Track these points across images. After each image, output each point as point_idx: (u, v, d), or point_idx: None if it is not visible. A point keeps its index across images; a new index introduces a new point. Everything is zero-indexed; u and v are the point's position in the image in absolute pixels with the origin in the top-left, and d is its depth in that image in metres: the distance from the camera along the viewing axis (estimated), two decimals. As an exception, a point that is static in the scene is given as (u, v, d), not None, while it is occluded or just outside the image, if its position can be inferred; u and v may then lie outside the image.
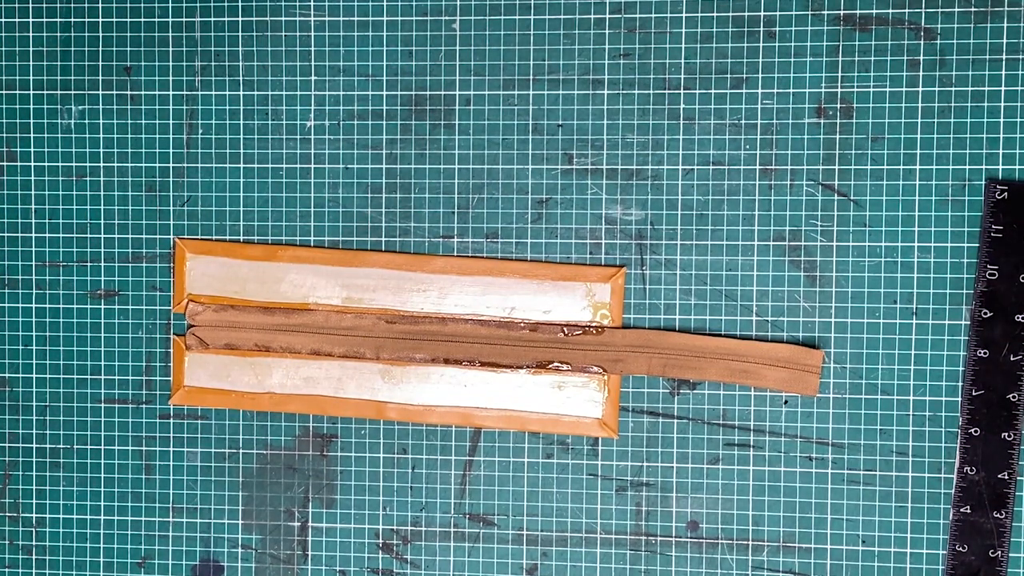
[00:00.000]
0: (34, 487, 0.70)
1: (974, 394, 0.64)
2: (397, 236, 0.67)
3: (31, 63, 0.68)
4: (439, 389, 0.68)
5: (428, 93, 0.66)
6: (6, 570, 0.70)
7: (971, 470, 0.64)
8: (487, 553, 0.68)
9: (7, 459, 0.70)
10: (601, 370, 0.66)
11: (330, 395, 0.68)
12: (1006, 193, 0.63)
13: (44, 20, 0.68)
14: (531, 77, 0.66)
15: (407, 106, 0.67)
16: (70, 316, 0.69)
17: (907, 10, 0.64)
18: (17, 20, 0.68)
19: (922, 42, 0.64)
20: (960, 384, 0.64)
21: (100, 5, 0.68)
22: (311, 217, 0.68)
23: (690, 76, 0.65)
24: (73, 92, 0.68)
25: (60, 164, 0.69)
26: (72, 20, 0.68)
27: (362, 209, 0.67)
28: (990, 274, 0.63)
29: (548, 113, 0.66)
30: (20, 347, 0.70)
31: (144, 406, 0.69)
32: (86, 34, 0.68)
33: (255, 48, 0.67)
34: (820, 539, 0.66)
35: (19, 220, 0.69)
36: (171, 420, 0.69)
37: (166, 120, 0.68)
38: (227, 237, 0.68)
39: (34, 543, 0.70)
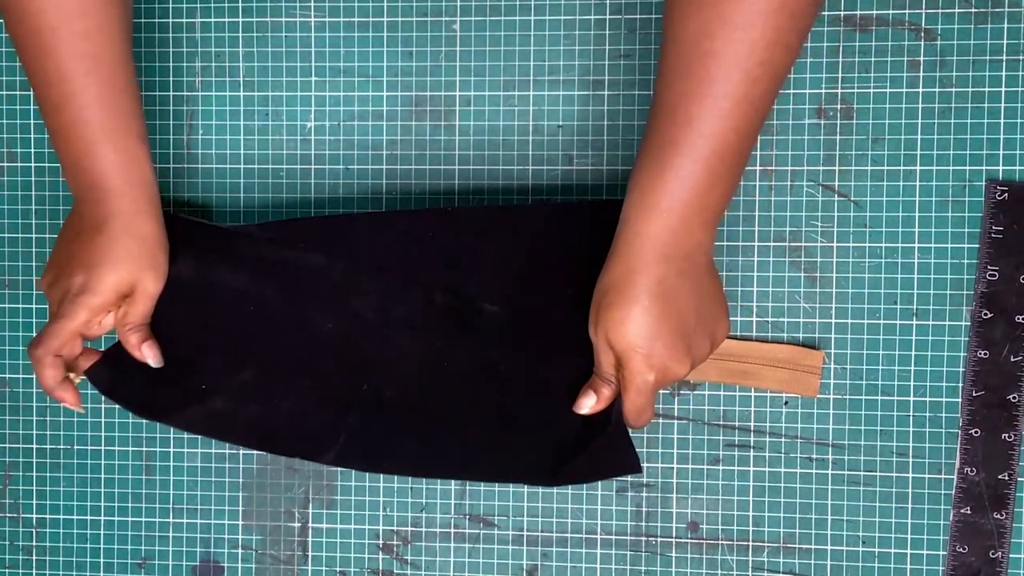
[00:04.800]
0: (34, 487, 0.70)
1: (974, 395, 0.64)
2: (397, 236, 0.67)
3: (31, 63, 0.68)
4: (439, 390, 0.68)
5: (428, 94, 0.67)
6: (6, 570, 0.70)
7: (971, 471, 0.64)
8: (487, 554, 0.68)
9: (7, 459, 0.70)
10: (601, 371, 0.66)
11: (330, 396, 0.68)
12: (1006, 194, 0.63)
13: (44, 20, 0.68)
14: (531, 77, 0.66)
15: (407, 106, 0.67)
16: (70, 316, 0.69)
17: (907, 11, 0.64)
18: (17, 20, 0.68)
19: (922, 43, 0.64)
20: (960, 385, 0.64)
21: (100, 5, 0.68)
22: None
23: (690, 76, 0.65)
24: (73, 92, 0.68)
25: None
26: (72, 20, 0.68)
27: (362, 209, 0.67)
28: (990, 275, 0.63)
29: (548, 113, 0.66)
30: (20, 347, 0.70)
31: (144, 406, 0.69)
32: (86, 34, 0.68)
33: (255, 49, 0.67)
34: (820, 540, 0.66)
35: (19, 220, 0.69)
36: (171, 420, 0.69)
37: (166, 120, 0.68)
38: (227, 237, 0.68)
39: (34, 543, 0.70)
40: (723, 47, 0.49)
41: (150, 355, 0.60)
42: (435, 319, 0.61)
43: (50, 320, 0.59)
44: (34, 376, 0.69)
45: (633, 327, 0.53)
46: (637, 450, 0.66)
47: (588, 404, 0.58)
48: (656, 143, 0.53)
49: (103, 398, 0.69)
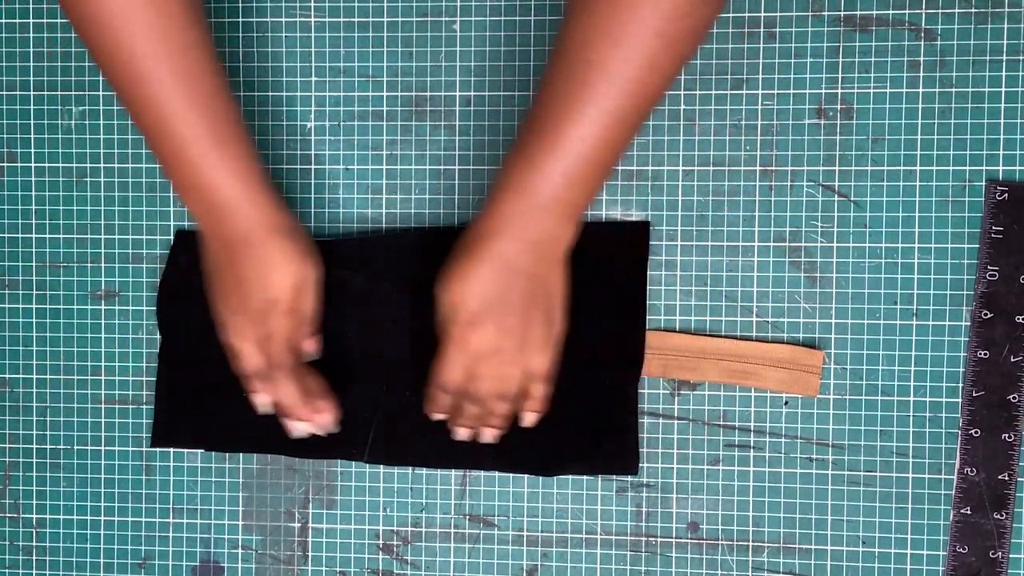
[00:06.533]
0: (34, 487, 0.70)
1: (974, 395, 0.64)
2: (397, 236, 0.67)
3: (31, 63, 0.68)
4: (439, 390, 0.68)
5: (428, 94, 0.67)
6: (6, 570, 0.70)
7: (971, 471, 0.64)
8: (487, 554, 0.68)
9: (7, 459, 0.70)
10: (601, 371, 0.66)
11: (330, 396, 0.68)
12: (1006, 194, 0.63)
13: (44, 21, 0.68)
14: (531, 77, 0.66)
15: (407, 106, 0.67)
16: (70, 316, 0.69)
17: (907, 11, 0.64)
18: (17, 20, 0.68)
19: (922, 43, 0.64)
20: (960, 385, 0.64)
21: (101, 6, 0.68)
22: (311, 217, 0.67)
23: (690, 76, 0.65)
24: (74, 93, 0.68)
25: (60, 164, 0.69)
26: (72, 20, 0.68)
27: (362, 210, 0.67)
28: (990, 275, 0.63)
29: (548, 114, 0.66)
30: (20, 347, 0.70)
31: (144, 406, 0.69)
32: (86, 34, 0.68)
33: (255, 49, 0.67)
34: (820, 540, 0.66)
35: (19, 220, 0.69)
36: (171, 420, 0.69)
37: (166, 120, 0.68)
38: (227, 237, 0.68)
39: (34, 543, 0.70)
40: (600, 59, 0.52)
41: (310, 347, 0.62)
42: None
43: (264, 345, 0.59)
44: (34, 376, 0.69)
45: (465, 286, 0.57)
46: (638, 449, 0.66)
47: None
48: (528, 132, 0.55)
49: (102, 397, 0.69)
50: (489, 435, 0.61)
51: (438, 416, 0.61)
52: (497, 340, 0.57)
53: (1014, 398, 0.63)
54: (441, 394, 0.60)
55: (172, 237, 0.68)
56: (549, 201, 0.55)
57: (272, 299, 0.58)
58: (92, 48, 0.55)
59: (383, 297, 0.64)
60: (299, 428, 0.61)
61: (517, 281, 0.56)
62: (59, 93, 0.68)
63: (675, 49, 0.51)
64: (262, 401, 0.61)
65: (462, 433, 0.61)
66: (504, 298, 0.56)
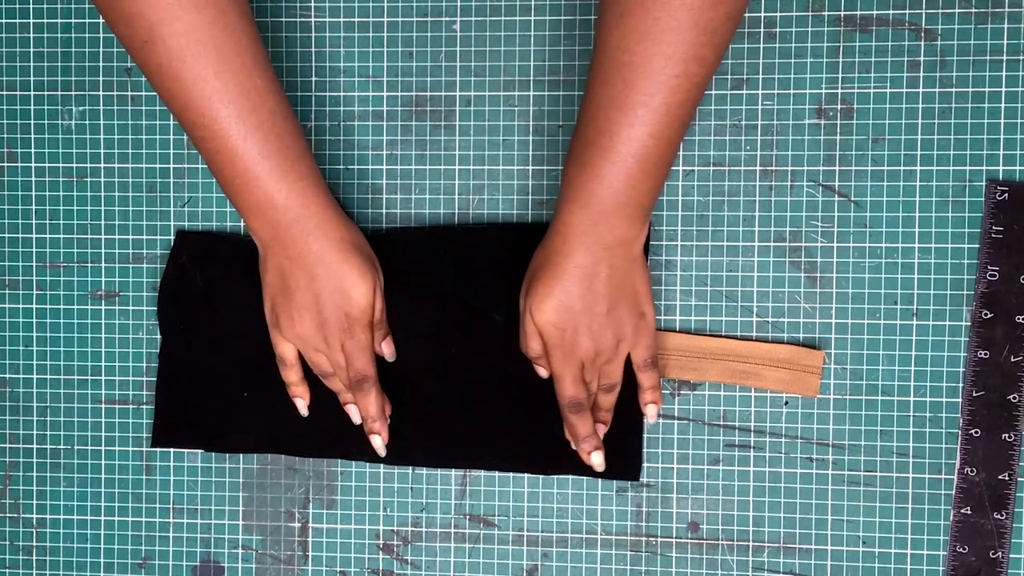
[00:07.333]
0: (34, 487, 0.70)
1: (974, 395, 0.64)
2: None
3: (31, 63, 0.68)
4: (439, 390, 0.68)
5: (428, 94, 0.67)
6: (6, 570, 0.70)
7: (971, 471, 0.64)
8: (487, 554, 0.68)
9: (7, 459, 0.70)
10: (601, 371, 0.66)
11: (330, 395, 0.68)
12: (1006, 194, 0.63)
13: (44, 21, 0.68)
14: (531, 77, 0.66)
15: (407, 106, 0.67)
16: (70, 316, 0.69)
17: (907, 11, 0.64)
18: (17, 20, 0.68)
19: (922, 43, 0.64)
20: (960, 385, 0.64)
21: (101, 6, 0.68)
22: (311, 217, 0.67)
23: (690, 77, 0.65)
24: (74, 92, 0.68)
25: (60, 164, 0.69)
26: (72, 20, 0.68)
27: (362, 210, 0.67)
28: (990, 275, 0.63)
29: (548, 113, 0.66)
30: (20, 347, 0.70)
31: (144, 406, 0.69)
32: (86, 35, 0.68)
33: (255, 49, 0.67)
34: (820, 540, 0.66)
35: (19, 220, 0.69)
36: (171, 420, 0.69)
37: (166, 120, 0.68)
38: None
39: (34, 543, 0.70)
40: (640, 60, 0.52)
41: (388, 351, 0.64)
42: (448, 329, 0.65)
43: (349, 360, 0.60)
44: (34, 376, 0.69)
45: (552, 303, 0.57)
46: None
47: (543, 374, 0.63)
48: (581, 142, 0.56)
49: (102, 397, 0.69)
50: (600, 431, 0.63)
51: (586, 437, 0.61)
52: (594, 344, 0.58)
53: (1014, 398, 0.63)
54: (573, 416, 0.60)
55: (172, 237, 0.68)
56: (614, 206, 0.55)
57: (354, 317, 0.59)
58: (151, 74, 0.54)
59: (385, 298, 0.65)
60: (379, 437, 0.63)
61: (599, 287, 0.57)
62: (59, 93, 0.68)
63: (714, 38, 0.51)
64: (302, 404, 0.65)
65: (587, 450, 0.62)
66: (590, 306, 0.57)
